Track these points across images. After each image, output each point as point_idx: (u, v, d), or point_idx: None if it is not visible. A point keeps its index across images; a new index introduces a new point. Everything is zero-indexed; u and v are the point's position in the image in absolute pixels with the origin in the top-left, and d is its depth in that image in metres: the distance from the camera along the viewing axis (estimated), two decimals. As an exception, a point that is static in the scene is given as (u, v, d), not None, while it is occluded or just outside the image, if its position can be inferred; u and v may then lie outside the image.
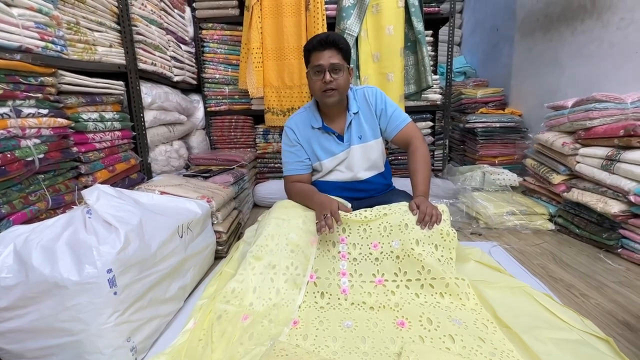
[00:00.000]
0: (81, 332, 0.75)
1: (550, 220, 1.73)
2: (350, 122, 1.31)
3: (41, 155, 1.01)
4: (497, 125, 2.43)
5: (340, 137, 1.33)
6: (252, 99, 2.26)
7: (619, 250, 1.38)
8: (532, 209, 1.75)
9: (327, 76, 1.19)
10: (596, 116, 1.51)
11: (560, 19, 2.17)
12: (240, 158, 2.01)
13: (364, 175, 1.35)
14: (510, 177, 2.06)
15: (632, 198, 1.31)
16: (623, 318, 0.99)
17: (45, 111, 1.04)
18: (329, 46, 1.20)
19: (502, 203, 1.80)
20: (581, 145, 1.62)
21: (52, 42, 1.07)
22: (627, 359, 0.77)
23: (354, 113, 1.31)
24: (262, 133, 2.33)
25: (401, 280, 1.05)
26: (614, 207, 1.37)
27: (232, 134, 2.39)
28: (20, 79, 0.96)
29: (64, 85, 1.13)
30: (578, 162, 1.61)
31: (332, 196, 1.37)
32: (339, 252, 1.12)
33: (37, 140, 1.01)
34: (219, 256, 1.41)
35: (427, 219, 1.08)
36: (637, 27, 1.67)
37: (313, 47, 1.22)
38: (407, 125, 1.31)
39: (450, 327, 0.88)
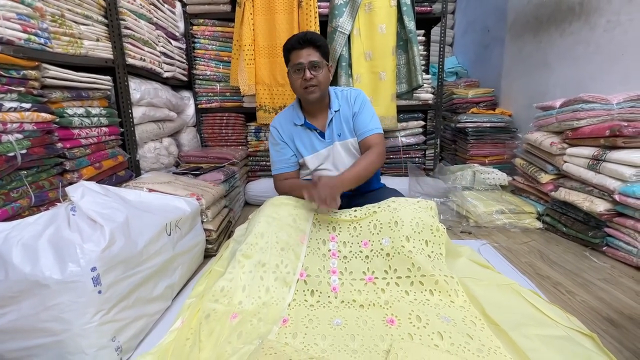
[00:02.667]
0: (63, 332, 0.73)
1: (538, 218, 1.75)
2: (332, 120, 1.33)
3: (24, 151, 0.98)
4: (488, 125, 2.46)
5: (322, 134, 1.35)
6: (243, 96, 2.24)
7: (604, 248, 1.41)
8: (521, 207, 1.77)
9: (307, 73, 1.21)
10: (583, 117, 1.53)
11: (549, 21, 2.20)
12: (231, 156, 1.99)
13: None
14: (499, 177, 2.08)
15: (617, 197, 1.34)
16: (607, 314, 1.01)
17: (28, 105, 1.01)
18: (307, 44, 1.22)
19: (491, 202, 1.82)
20: (568, 145, 1.64)
21: (36, 35, 1.04)
22: (610, 355, 0.78)
23: (335, 111, 1.33)
24: (253, 131, 2.32)
25: (391, 278, 1.05)
26: (600, 206, 1.40)
27: (223, 131, 2.37)
28: (1, 72, 0.93)
29: (48, 79, 1.10)
30: (565, 162, 1.64)
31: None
32: (329, 250, 1.12)
33: (20, 135, 0.98)
34: (208, 254, 1.40)
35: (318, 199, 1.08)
36: (623, 29, 1.70)
37: (292, 46, 1.23)
38: (373, 135, 1.29)
39: (439, 324, 0.89)
